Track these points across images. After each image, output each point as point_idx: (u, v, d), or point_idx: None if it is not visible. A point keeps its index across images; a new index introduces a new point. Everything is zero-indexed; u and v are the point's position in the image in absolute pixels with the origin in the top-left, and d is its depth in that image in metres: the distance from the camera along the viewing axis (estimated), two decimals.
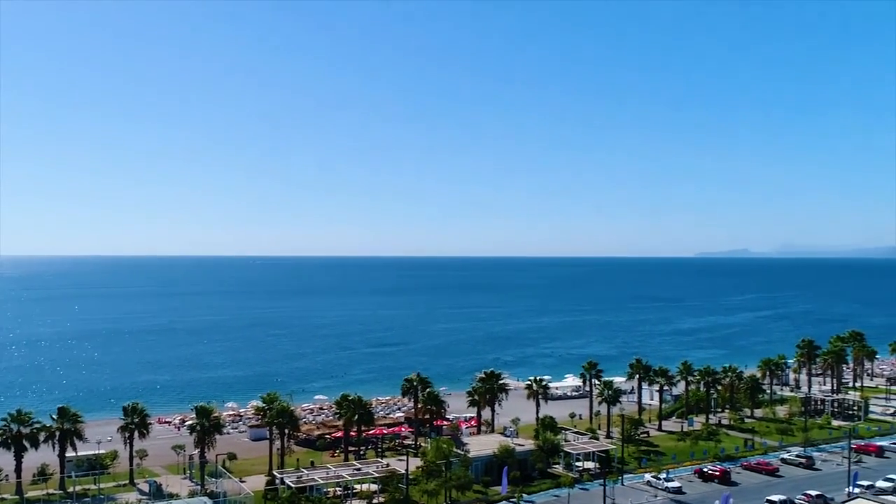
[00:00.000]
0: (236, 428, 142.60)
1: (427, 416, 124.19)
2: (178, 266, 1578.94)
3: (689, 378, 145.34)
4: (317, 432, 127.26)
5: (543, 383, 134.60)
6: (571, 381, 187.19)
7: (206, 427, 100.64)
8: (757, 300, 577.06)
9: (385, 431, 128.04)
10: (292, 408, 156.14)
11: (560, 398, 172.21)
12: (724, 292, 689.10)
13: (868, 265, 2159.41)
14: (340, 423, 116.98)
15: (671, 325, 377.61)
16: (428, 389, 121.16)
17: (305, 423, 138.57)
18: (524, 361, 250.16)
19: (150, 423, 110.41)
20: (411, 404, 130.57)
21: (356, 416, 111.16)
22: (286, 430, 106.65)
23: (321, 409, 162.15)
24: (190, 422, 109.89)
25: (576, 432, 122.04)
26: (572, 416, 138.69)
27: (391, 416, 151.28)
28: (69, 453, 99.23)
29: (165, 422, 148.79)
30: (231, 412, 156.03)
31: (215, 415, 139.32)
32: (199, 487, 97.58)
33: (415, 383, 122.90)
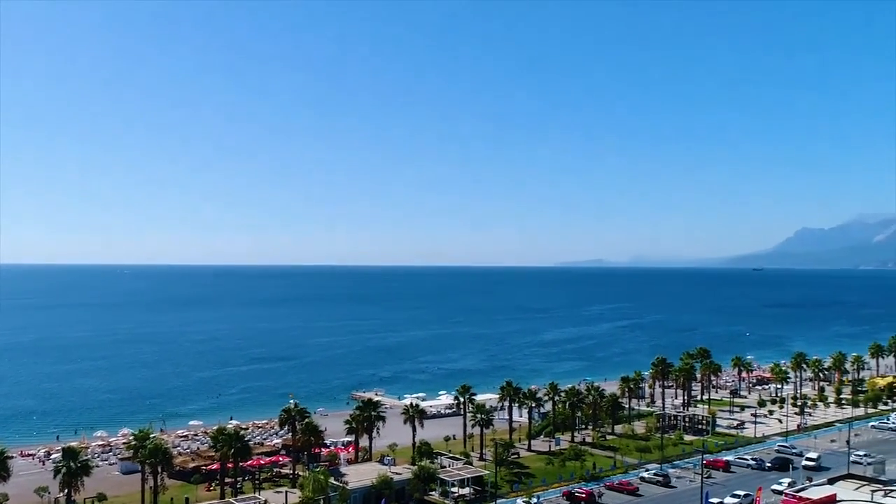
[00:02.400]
0: (106, 460, 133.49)
1: (305, 445, 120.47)
2: (33, 276, 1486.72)
3: (556, 398, 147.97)
4: (192, 464, 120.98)
5: (419, 407, 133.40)
6: (445, 398, 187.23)
7: (73, 469, 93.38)
8: (614, 311, 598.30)
9: (263, 461, 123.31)
10: (165, 436, 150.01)
11: (435, 416, 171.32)
12: (585, 303, 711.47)
13: (710, 274, 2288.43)
14: (216, 455, 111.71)
15: (538, 337, 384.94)
16: (307, 420, 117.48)
17: (180, 453, 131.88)
18: (400, 377, 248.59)
19: (12, 458, 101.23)
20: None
21: (232, 450, 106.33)
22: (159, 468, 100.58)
23: (196, 435, 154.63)
24: (55, 455, 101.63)
25: (451, 457, 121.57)
26: (447, 438, 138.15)
27: (269, 442, 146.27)
28: None
29: (28, 455, 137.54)
30: (101, 442, 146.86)
31: (84, 446, 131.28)
32: None
33: (293, 413, 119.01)
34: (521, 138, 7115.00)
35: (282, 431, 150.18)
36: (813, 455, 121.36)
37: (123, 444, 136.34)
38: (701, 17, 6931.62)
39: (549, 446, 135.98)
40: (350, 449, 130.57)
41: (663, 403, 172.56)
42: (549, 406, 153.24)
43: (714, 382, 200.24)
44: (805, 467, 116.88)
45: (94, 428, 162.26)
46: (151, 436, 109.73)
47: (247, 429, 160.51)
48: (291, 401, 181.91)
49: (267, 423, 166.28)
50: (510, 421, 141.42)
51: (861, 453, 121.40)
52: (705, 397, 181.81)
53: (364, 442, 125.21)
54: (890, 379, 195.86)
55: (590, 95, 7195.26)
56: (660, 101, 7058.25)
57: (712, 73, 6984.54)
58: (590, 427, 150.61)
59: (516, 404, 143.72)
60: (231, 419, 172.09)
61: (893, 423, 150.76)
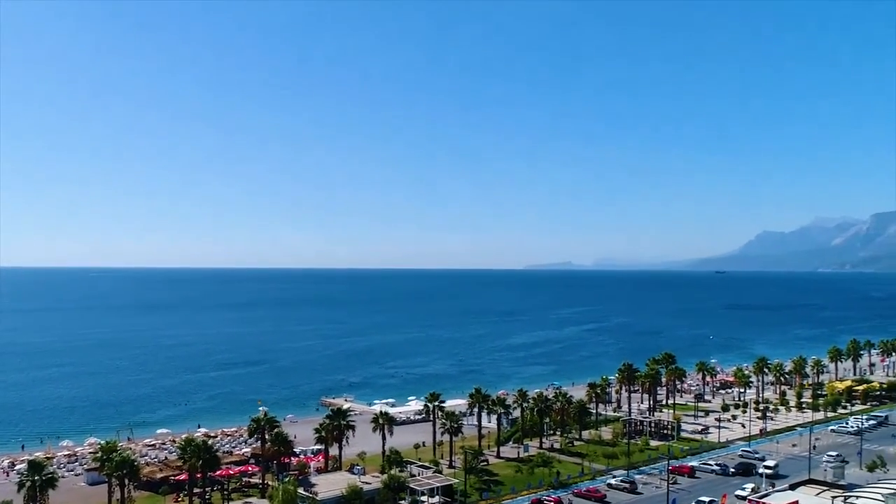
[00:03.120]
0: (72, 470, 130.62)
1: (274, 455, 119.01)
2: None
3: (525, 405, 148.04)
4: (160, 475, 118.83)
5: (388, 415, 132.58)
6: (415, 405, 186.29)
7: (39, 483, 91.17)
8: (581, 314, 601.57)
9: (232, 471, 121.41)
10: (133, 445, 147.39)
11: (405, 423, 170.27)
12: (552, 306, 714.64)
13: (674, 276, 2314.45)
14: (185, 465, 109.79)
15: (506, 340, 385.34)
16: (276, 429, 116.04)
17: (147, 463, 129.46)
18: (369, 382, 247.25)
19: None
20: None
21: (201, 461, 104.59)
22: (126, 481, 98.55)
23: (163, 444, 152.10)
24: (20, 466, 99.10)
25: (420, 465, 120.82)
26: (417, 446, 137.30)
27: (238, 450, 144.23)
28: None
29: None
30: (66, 452, 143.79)
31: (49, 456, 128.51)
32: None
33: (262, 423, 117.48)
34: (489, 142, 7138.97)
35: (251, 440, 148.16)
36: (770, 463, 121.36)
37: (90, 453, 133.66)
38: (658, 27, 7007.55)
39: (518, 453, 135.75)
40: (320, 457, 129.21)
41: (629, 408, 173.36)
42: (517, 412, 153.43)
43: (679, 387, 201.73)
44: (764, 475, 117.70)
45: (60, 437, 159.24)
46: (119, 445, 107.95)
47: (215, 437, 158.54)
48: (261, 408, 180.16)
49: (236, 431, 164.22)
50: (479, 427, 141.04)
51: (822, 458, 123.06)
52: (670, 402, 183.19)
53: (334, 450, 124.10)
54: (848, 382, 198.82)
55: (555, 100, 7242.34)
56: (624, 109, 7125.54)
57: (674, 81, 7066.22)
58: (558, 433, 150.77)
59: (485, 411, 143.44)
60: (199, 427, 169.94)
61: (852, 426, 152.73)
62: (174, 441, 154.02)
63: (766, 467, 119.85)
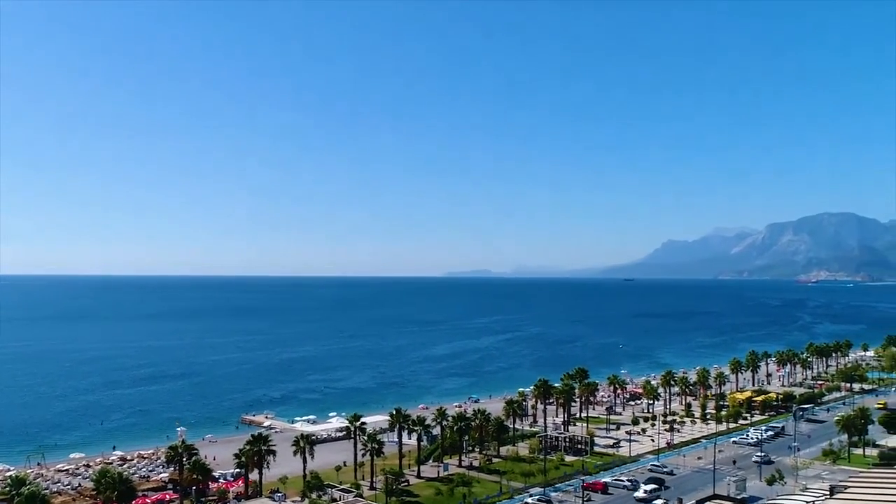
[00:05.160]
0: None
1: (193, 482, 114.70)
2: None
3: (444, 423, 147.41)
4: None
5: (309, 438, 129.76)
6: (336, 422, 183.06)
7: None
8: (498, 322, 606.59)
9: (149, 500, 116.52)
10: (44, 470, 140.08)
11: (326, 440, 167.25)
12: (471, 314, 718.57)
13: (586, 284, 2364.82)
14: (100, 498, 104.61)
15: (426, 351, 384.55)
16: (194, 457, 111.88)
17: (60, 491, 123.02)
18: (290, 397, 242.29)
19: None
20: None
21: (116, 493, 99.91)
22: None
23: (77, 469, 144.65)
24: None
25: (341, 489, 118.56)
26: (338, 468, 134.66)
27: (155, 475, 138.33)
28: None
29: None
30: None
31: None
32: None
33: (180, 450, 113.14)
34: (408, 152, 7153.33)
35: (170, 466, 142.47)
36: (648, 488, 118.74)
37: None
38: (559, 39, 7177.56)
39: (438, 472, 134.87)
40: (240, 482, 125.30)
41: (545, 423, 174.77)
42: (437, 430, 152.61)
43: (592, 400, 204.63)
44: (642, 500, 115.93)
45: None
46: (29, 472, 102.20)
47: (131, 460, 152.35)
48: (179, 429, 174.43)
49: (153, 454, 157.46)
50: (400, 448, 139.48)
51: (726, 471, 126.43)
52: (584, 415, 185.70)
53: (254, 475, 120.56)
54: (748, 393, 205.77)
55: (463, 112, 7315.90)
56: (532, 122, 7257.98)
57: (581, 92, 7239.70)
58: (477, 450, 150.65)
59: (406, 431, 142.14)
60: (114, 449, 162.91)
61: (752, 438, 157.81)
62: (88, 466, 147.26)
63: (645, 492, 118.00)
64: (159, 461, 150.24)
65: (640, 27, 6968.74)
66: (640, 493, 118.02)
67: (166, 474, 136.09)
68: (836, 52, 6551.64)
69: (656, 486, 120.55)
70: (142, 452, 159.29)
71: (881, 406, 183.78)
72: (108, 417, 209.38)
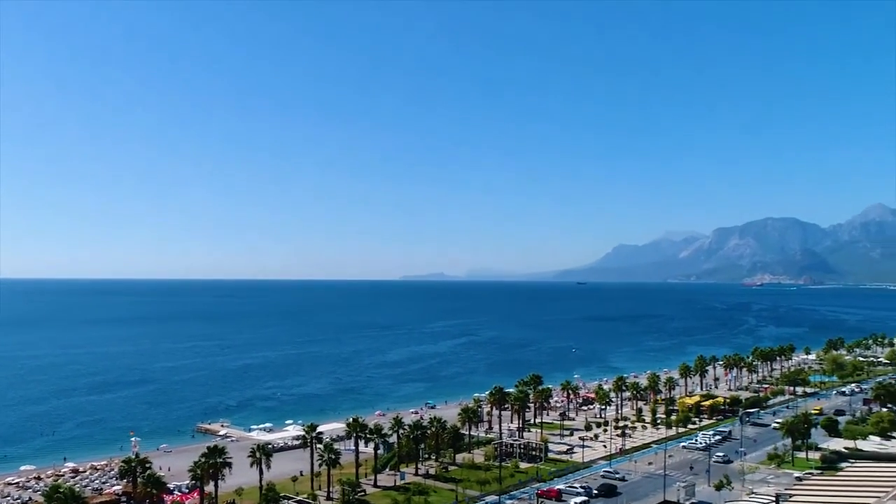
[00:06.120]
0: None
1: (147, 495, 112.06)
2: None
3: (401, 431, 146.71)
4: None
5: (265, 448, 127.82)
6: (293, 430, 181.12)
7: None
8: (454, 327, 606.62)
9: None
10: None
11: (282, 449, 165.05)
12: (427, 319, 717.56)
13: (539, 288, 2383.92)
14: None
15: (383, 357, 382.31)
16: (148, 471, 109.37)
17: None
18: (246, 405, 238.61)
19: None
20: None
21: None
22: None
23: (28, 482, 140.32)
24: None
25: (298, 501, 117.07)
26: (294, 478, 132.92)
27: (108, 488, 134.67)
28: None
29: None
30: None
31: None
32: None
33: (133, 464, 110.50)
34: (365, 156, 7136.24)
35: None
36: (578, 500, 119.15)
37: None
38: (509, 50, 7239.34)
39: (395, 480, 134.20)
40: (195, 494, 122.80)
41: (500, 429, 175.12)
42: (394, 438, 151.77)
43: (546, 405, 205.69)
44: None
45: None
46: None
47: (84, 472, 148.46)
48: (133, 439, 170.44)
49: (106, 465, 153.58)
50: (357, 458, 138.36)
51: (676, 476, 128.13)
52: (538, 420, 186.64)
53: (210, 487, 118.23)
54: (697, 398, 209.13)
55: (425, 116, 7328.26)
56: (489, 126, 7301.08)
57: (537, 99, 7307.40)
58: (433, 458, 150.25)
59: (362, 440, 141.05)
60: (66, 461, 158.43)
61: (701, 442, 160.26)
62: (39, 479, 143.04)
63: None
64: (113, 473, 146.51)
65: (590, 37, 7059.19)
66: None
67: (120, 487, 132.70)
68: (779, 63, 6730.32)
69: (584, 500, 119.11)
70: (95, 464, 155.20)
71: (817, 412, 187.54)
72: (59, 427, 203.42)
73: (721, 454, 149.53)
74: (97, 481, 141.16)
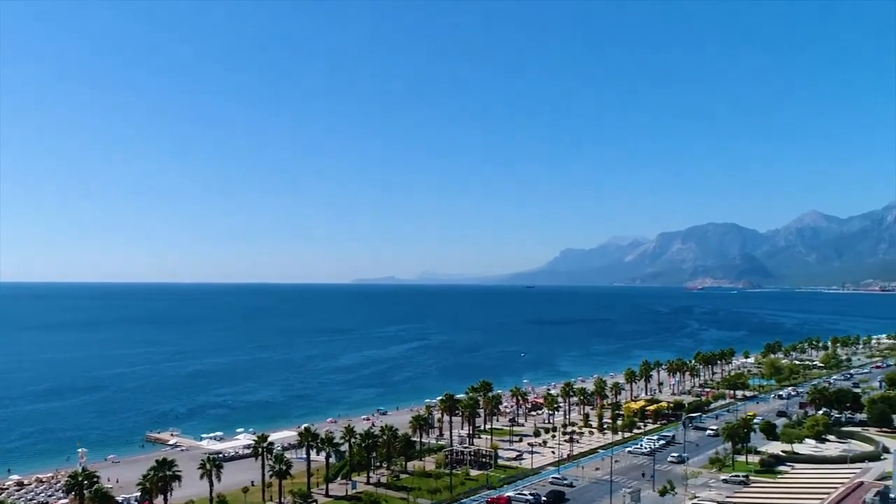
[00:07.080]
0: None
1: None
2: None
3: (352, 440, 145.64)
4: None
5: (215, 460, 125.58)
6: (244, 438, 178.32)
7: None
8: (405, 331, 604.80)
9: None
10: None
11: (233, 458, 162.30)
12: (379, 323, 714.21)
13: (489, 291, 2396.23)
14: None
15: (336, 362, 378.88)
16: (95, 486, 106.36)
17: None
18: (197, 412, 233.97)
19: None
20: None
21: None
22: None
23: None
24: None
25: None
26: (245, 489, 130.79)
27: (54, 500, 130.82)
28: None
29: None
30: None
31: None
32: None
33: (80, 479, 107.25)
34: (323, 161, 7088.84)
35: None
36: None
37: None
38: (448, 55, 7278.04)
39: (346, 490, 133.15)
40: None
41: (451, 436, 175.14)
42: (346, 446, 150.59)
43: (496, 411, 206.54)
44: None
45: None
46: None
47: (29, 484, 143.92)
48: (80, 450, 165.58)
49: (52, 477, 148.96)
50: (308, 468, 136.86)
51: (622, 482, 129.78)
52: (488, 427, 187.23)
53: (159, 500, 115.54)
54: (642, 402, 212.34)
55: (380, 120, 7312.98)
56: (434, 129, 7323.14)
57: (482, 97, 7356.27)
58: (384, 466, 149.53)
59: (314, 449, 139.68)
60: (10, 473, 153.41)
61: (646, 447, 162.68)
62: None
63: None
64: (59, 485, 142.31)
65: (534, 41, 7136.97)
66: None
67: (66, 501, 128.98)
68: (717, 76, 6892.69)
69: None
70: (40, 476, 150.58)
71: (751, 416, 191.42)
72: (3, 438, 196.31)
73: (676, 455, 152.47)
74: (43, 494, 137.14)
